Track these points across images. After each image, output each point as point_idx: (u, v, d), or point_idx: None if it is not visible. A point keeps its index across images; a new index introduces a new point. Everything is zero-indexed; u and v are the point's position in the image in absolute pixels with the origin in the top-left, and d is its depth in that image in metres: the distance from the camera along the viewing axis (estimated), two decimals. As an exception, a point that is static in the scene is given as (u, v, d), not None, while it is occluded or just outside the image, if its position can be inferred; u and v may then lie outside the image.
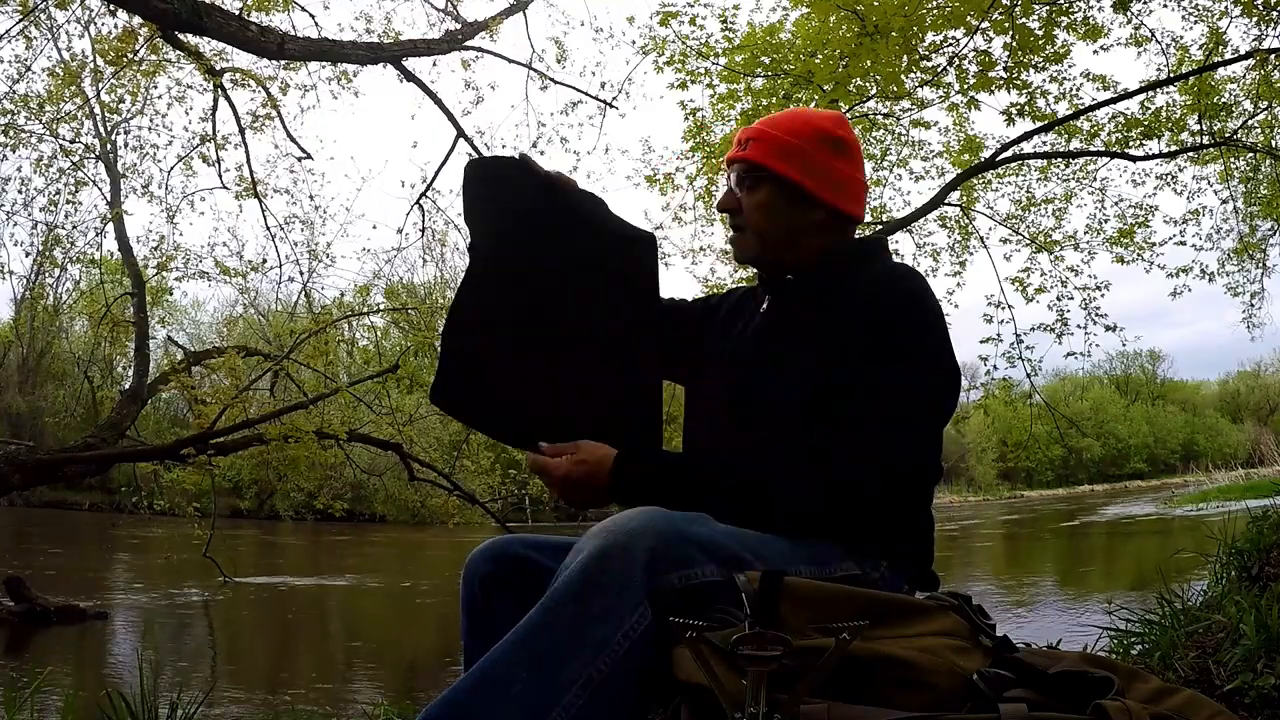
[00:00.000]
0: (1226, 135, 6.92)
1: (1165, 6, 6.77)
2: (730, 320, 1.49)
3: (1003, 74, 5.65)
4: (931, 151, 8.29)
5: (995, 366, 8.03)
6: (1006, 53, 5.57)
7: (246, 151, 8.50)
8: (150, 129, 8.79)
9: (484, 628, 1.27)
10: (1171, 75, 6.72)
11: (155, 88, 8.26)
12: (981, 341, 7.97)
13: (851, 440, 1.19)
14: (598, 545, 1.04)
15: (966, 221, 8.58)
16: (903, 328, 1.25)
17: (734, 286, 1.70)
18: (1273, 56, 6.03)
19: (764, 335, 1.39)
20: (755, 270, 1.53)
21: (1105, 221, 8.28)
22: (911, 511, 1.28)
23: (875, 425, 1.20)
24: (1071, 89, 6.61)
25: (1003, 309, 8.04)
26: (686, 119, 6.82)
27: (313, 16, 9.40)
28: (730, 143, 1.61)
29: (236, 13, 6.18)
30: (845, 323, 1.26)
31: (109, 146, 8.95)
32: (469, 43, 7.98)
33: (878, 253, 1.44)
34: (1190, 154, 7.34)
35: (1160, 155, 7.27)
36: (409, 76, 7.88)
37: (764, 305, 1.44)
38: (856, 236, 1.49)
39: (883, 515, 1.21)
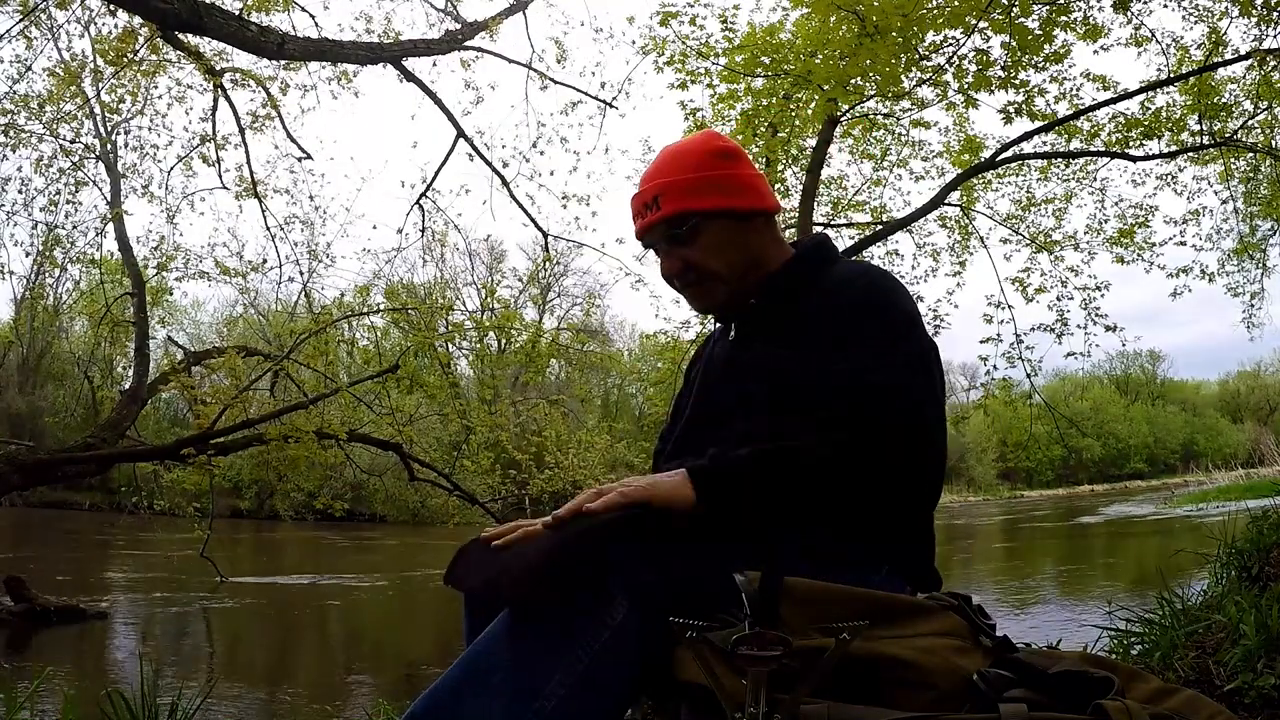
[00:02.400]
0: (1226, 135, 6.92)
1: (1165, 6, 6.78)
2: (703, 363, 1.48)
3: (1000, 73, 5.66)
4: (931, 151, 8.33)
5: (995, 366, 8.06)
6: (1005, 52, 5.58)
7: (246, 152, 8.53)
8: (150, 129, 8.84)
9: (486, 627, 1.28)
10: (1171, 75, 6.72)
11: (155, 88, 8.29)
12: (981, 341, 8.00)
13: (849, 394, 1.15)
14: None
15: (966, 221, 8.59)
16: (892, 335, 1.23)
17: (705, 336, 1.67)
18: (1272, 57, 6.03)
19: (732, 356, 1.38)
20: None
21: (1105, 222, 8.31)
22: (914, 515, 1.28)
23: (872, 376, 1.16)
24: (1071, 89, 6.62)
25: (1003, 309, 8.06)
26: (686, 119, 6.83)
27: (313, 16, 9.43)
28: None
29: (236, 13, 6.18)
30: (827, 332, 1.25)
31: (109, 146, 8.95)
32: (469, 43, 7.99)
33: (831, 254, 1.42)
34: (1190, 154, 7.34)
35: (1160, 155, 7.27)
36: (409, 76, 7.89)
37: (731, 334, 1.42)
38: (807, 237, 1.48)
39: (892, 503, 1.20)
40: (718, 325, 1.53)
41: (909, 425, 1.17)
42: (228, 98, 8.21)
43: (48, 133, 8.22)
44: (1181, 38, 6.87)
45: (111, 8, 6.96)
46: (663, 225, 1.35)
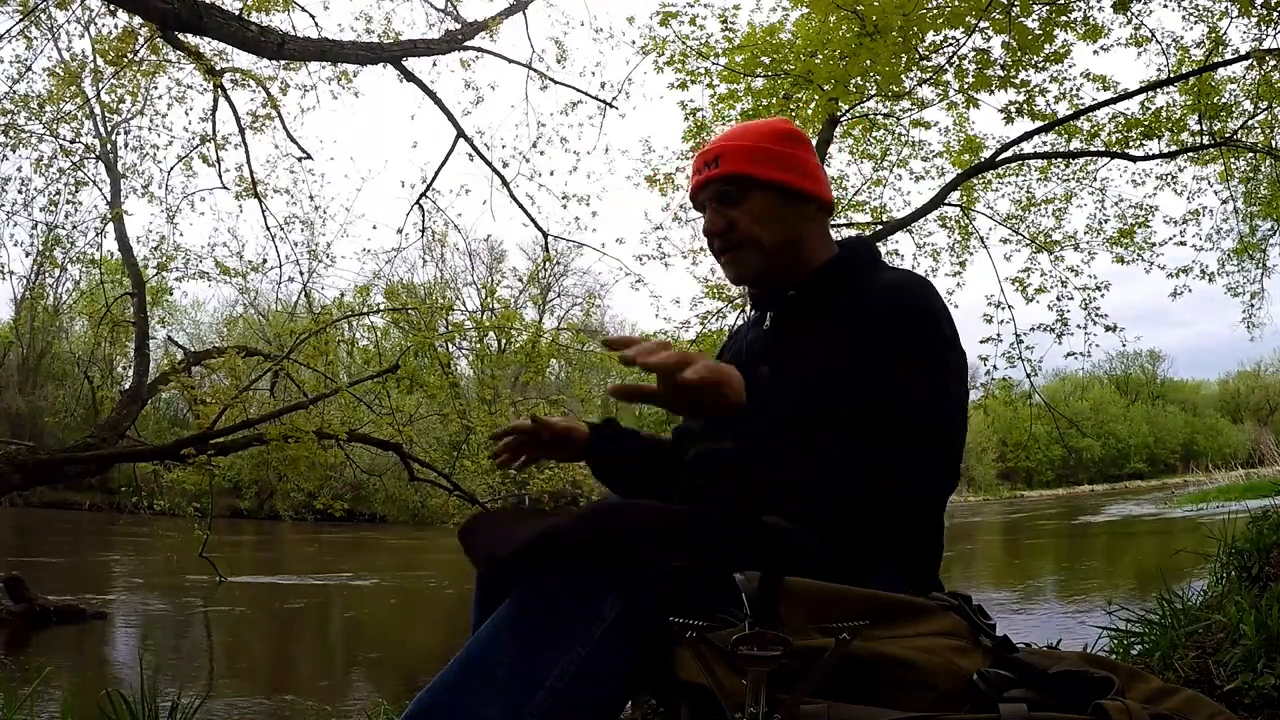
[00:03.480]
0: (1226, 135, 6.92)
1: (1165, 6, 6.77)
2: (733, 350, 1.49)
3: (1000, 73, 5.66)
4: (931, 151, 8.31)
5: (995, 366, 8.05)
6: (1005, 52, 5.58)
7: (246, 152, 8.51)
8: (150, 129, 8.81)
9: None
10: (1171, 75, 6.71)
11: (155, 88, 8.27)
12: (981, 341, 8.00)
13: (897, 455, 1.19)
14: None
15: (966, 221, 8.58)
16: (929, 343, 1.25)
17: (735, 326, 1.70)
18: (1272, 57, 6.02)
19: (767, 348, 1.38)
20: (749, 290, 1.50)
21: (1105, 222, 8.30)
22: (922, 515, 1.28)
23: (921, 441, 1.19)
24: (1071, 89, 6.61)
25: (1003, 309, 8.06)
26: (686, 119, 6.84)
27: (313, 16, 9.41)
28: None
29: (236, 13, 6.18)
30: (860, 335, 1.25)
31: (109, 146, 8.95)
32: (469, 43, 7.99)
33: (873, 255, 1.43)
34: (1190, 154, 7.34)
35: (1160, 155, 7.27)
36: (409, 76, 7.89)
37: (766, 323, 1.42)
38: (847, 236, 1.50)
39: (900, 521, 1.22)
40: (748, 314, 1.54)
41: (944, 441, 1.21)
42: (228, 98, 8.20)
43: (48, 133, 8.20)
44: (1181, 38, 6.87)
45: (111, 8, 6.96)
46: (717, 182, 1.38)
